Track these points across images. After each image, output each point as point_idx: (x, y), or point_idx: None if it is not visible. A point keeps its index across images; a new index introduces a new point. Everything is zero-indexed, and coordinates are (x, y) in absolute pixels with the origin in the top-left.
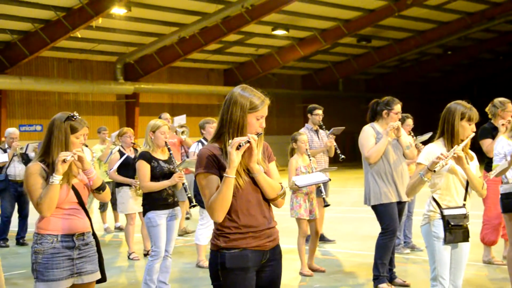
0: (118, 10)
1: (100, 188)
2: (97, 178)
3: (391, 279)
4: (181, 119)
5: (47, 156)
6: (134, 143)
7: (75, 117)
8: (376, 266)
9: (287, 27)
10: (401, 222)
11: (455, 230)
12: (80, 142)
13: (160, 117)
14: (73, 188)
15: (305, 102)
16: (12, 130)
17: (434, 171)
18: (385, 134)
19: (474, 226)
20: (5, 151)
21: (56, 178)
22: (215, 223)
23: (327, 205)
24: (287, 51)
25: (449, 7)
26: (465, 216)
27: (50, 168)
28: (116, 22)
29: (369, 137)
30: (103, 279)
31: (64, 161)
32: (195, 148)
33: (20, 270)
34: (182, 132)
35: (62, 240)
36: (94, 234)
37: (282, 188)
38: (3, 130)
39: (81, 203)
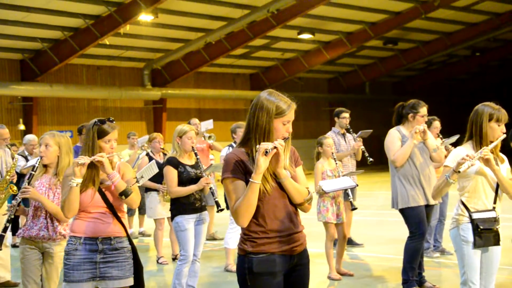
0: (145, 17)
1: (123, 194)
2: (120, 183)
3: (421, 283)
4: (208, 124)
5: None
6: (163, 148)
7: (104, 121)
8: (405, 270)
9: (312, 31)
10: (431, 225)
11: (485, 234)
12: (110, 146)
13: (189, 123)
14: (102, 192)
15: (332, 106)
16: (32, 137)
17: (459, 171)
18: (410, 137)
19: (506, 230)
20: (26, 158)
21: (74, 181)
22: (242, 228)
23: (354, 209)
24: (313, 55)
25: (477, 8)
26: (495, 220)
27: None
28: (143, 29)
29: (395, 140)
30: (140, 287)
31: (78, 164)
32: (225, 152)
33: None
34: (209, 137)
35: (85, 242)
36: (130, 241)
37: (309, 193)
38: (37, 137)
39: (110, 208)
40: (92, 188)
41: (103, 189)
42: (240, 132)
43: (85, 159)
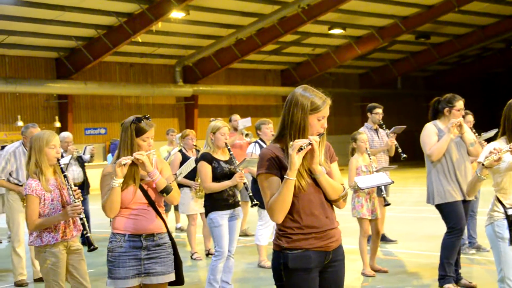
0: (176, 14)
1: (164, 191)
2: (161, 180)
3: (457, 280)
4: (246, 121)
5: (118, 158)
6: (195, 145)
7: (141, 119)
8: (442, 266)
9: (344, 26)
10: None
11: None
12: (148, 144)
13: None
14: (143, 189)
15: (363, 101)
16: (66, 135)
17: (483, 164)
18: (447, 132)
19: None
20: (61, 155)
21: (115, 182)
22: (277, 223)
23: (387, 204)
24: (344, 50)
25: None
26: None
27: None
28: (175, 26)
29: (431, 134)
30: (180, 282)
31: (121, 165)
32: (252, 149)
33: (89, 269)
34: (246, 135)
35: (129, 239)
36: (170, 236)
37: (344, 190)
38: (71, 134)
39: (151, 203)
40: (133, 185)
41: (144, 186)
42: (265, 128)
43: (128, 159)
